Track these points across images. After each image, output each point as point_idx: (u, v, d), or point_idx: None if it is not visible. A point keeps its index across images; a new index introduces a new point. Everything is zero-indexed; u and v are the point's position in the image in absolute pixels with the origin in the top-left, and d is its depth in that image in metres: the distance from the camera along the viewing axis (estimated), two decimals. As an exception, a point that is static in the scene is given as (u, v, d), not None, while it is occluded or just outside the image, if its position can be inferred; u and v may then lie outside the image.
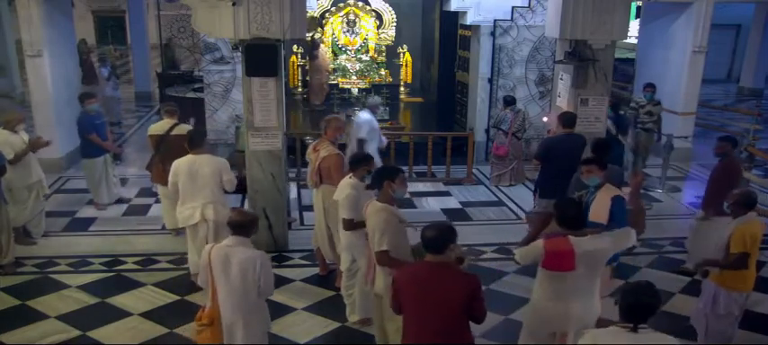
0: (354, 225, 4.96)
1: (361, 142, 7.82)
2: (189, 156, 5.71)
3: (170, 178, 5.74)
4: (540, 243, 4.00)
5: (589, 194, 4.99)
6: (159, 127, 7.11)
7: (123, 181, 8.97)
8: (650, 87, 9.24)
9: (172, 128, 6.92)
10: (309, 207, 7.87)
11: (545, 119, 7.79)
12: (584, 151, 6.37)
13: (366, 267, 4.75)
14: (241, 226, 4.07)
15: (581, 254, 3.84)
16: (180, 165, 5.69)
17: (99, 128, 7.86)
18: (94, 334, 5.20)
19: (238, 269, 3.98)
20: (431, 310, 3.44)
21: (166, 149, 6.79)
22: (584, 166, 4.99)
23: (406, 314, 3.60)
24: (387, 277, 4.29)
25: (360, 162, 5.20)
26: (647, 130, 9.18)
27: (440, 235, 3.50)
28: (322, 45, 12.50)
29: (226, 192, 5.83)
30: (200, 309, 4.27)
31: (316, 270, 6.37)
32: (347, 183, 5.11)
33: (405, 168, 9.15)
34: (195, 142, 5.77)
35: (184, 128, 6.86)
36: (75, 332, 5.22)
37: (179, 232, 6.84)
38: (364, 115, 8.06)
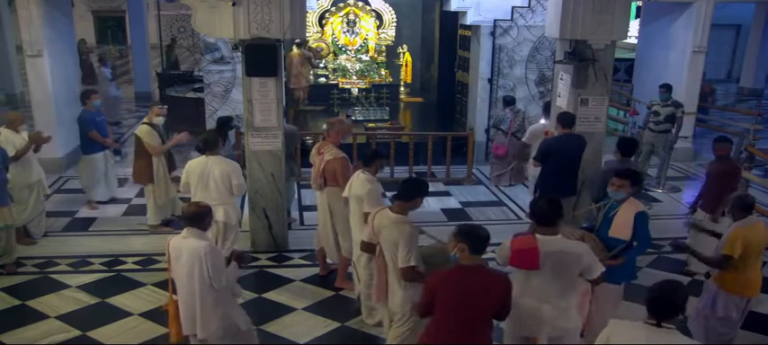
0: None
1: None
2: (202, 158, 5.77)
3: (182, 178, 5.86)
4: (508, 241, 3.98)
5: (610, 207, 4.71)
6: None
7: (122, 182, 8.97)
8: (663, 88, 9.00)
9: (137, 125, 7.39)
10: (309, 208, 7.89)
11: (545, 126, 7.80)
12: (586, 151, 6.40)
13: (377, 282, 4.58)
14: (194, 218, 4.09)
15: (546, 254, 3.77)
16: (192, 166, 5.79)
17: (99, 125, 7.96)
18: (94, 334, 5.20)
19: (187, 261, 4.01)
20: (470, 311, 3.44)
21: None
22: (616, 179, 4.64)
23: (439, 316, 3.53)
24: (404, 291, 4.26)
25: (374, 158, 5.29)
26: (654, 131, 8.99)
27: (484, 237, 3.57)
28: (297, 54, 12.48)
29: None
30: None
31: (316, 270, 6.37)
32: (364, 178, 5.13)
33: (405, 168, 9.18)
34: (209, 145, 5.81)
35: (142, 130, 7.14)
36: (76, 332, 5.23)
37: (157, 228, 7.27)
38: None
